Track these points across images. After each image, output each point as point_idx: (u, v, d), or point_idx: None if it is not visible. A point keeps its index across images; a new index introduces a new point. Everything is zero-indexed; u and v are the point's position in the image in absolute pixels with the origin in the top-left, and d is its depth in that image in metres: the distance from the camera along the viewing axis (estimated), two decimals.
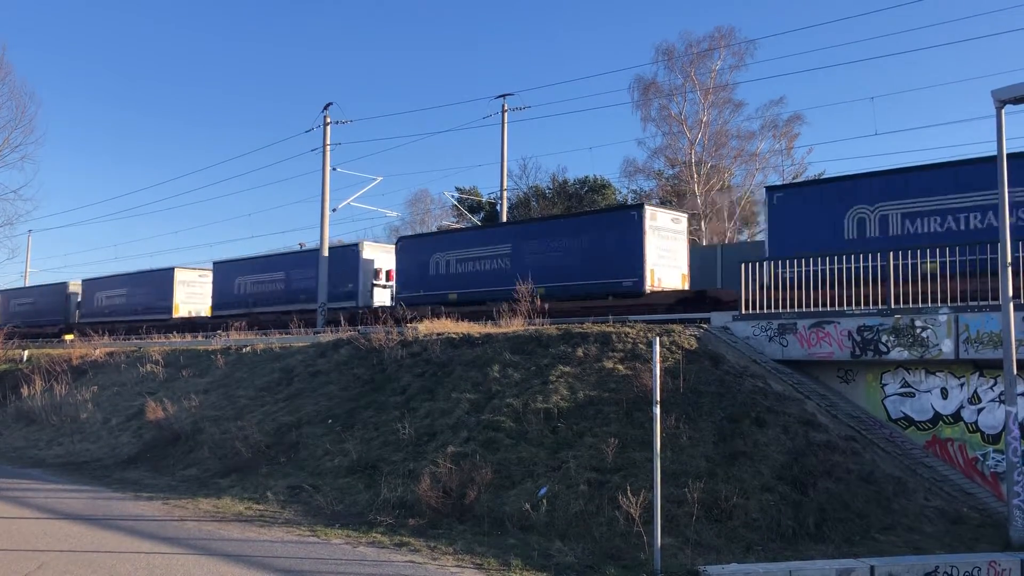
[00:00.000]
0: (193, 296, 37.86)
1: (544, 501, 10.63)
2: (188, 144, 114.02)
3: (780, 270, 15.29)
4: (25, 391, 23.43)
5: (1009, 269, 10.49)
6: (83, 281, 43.83)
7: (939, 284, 12.87)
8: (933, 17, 56.31)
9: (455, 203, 48.53)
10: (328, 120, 31.55)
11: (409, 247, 27.64)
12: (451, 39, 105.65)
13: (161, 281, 38.34)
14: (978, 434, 12.35)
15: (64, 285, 44.62)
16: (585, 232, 22.37)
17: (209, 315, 36.15)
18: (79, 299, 43.51)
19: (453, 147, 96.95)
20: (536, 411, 12.62)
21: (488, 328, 17.48)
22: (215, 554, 9.42)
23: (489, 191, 50.41)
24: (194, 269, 38.77)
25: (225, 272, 35.43)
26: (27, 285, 48.62)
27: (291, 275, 31.88)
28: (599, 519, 10.18)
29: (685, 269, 22.39)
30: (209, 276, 37.36)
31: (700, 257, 26.12)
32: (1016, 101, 10.26)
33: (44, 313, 45.33)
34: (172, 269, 38.01)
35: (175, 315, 36.60)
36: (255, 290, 33.44)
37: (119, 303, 40.25)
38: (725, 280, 24.25)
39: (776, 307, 14.61)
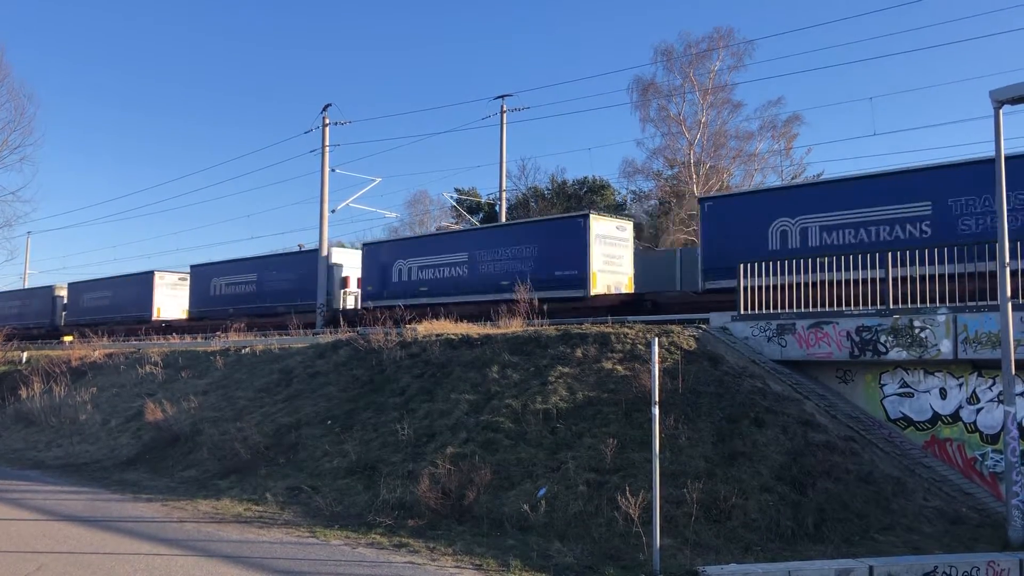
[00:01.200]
0: (614, 261, 22.95)
1: (543, 502, 10.63)
2: (187, 145, 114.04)
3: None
4: (24, 393, 23.43)
5: (1007, 269, 10.50)
6: (365, 246, 29.80)
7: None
8: (932, 17, 56.42)
9: (454, 204, 48.57)
10: (327, 121, 31.59)
11: None
12: (450, 40, 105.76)
13: (563, 234, 22.99)
14: (977, 434, 12.36)
15: (319, 254, 30.41)
16: None
17: (630, 291, 23.15)
18: (343, 273, 30.38)
19: (452, 148, 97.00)
20: (535, 412, 12.62)
21: (487, 329, 17.49)
22: (214, 555, 9.43)
23: (488, 192, 50.50)
24: (611, 219, 24.05)
25: (726, 213, 21.02)
26: (240, 257, 35.47)
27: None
28: (598, 520, 10.19)
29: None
30: (629, 228, 24.04)
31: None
32: (1014, 101, 10.26)
33: (284, 294, 31.27)
34: (586, 216, 22.92)
35: (592, 291, 22.32)
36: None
37: (458, 276, 25.14)
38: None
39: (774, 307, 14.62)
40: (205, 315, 34.73)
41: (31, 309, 46.17)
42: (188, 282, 37.27)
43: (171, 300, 37.66)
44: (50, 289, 45.45)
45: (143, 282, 38.36)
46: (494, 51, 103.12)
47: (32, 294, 47.96)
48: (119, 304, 39.41)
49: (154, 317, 37.01)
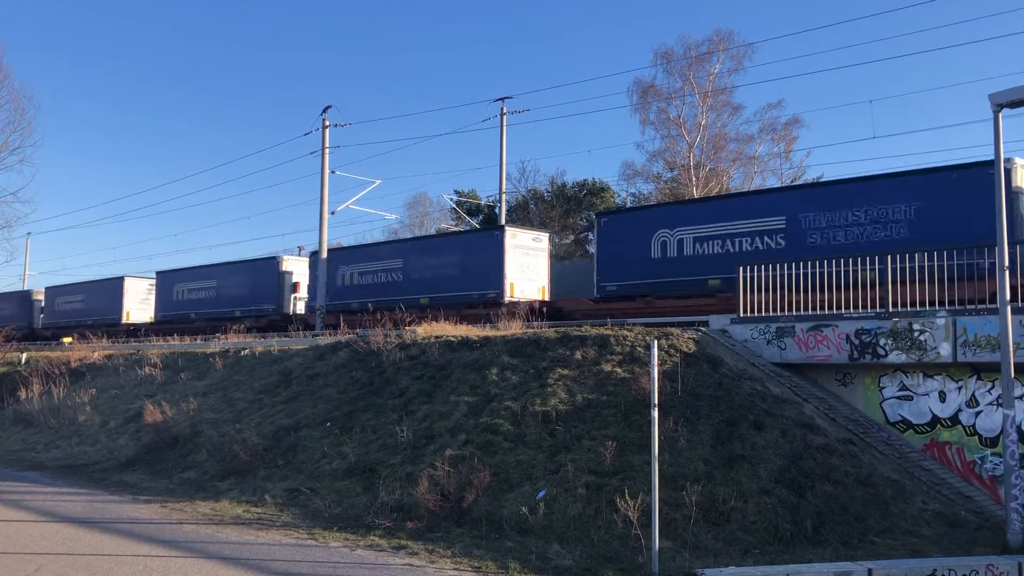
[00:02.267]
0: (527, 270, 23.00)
1: (542, 504, 10.63)
2: (187, 147, 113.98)
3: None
4: (23, 394, 23.42)
5: (1007, 272, 10.50)
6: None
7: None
8: (932, 20, 56.43)
9: (454, 206, 48.59)
10: (327, 123, 31.62)
11: None
12: (450, 42, 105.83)
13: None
14: (976, 437, 12.36)
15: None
16: None
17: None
18: None
19: (452, 150, 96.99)
20: (534, 414, 12.62)
21: (486, 331, 17.48)
22: (213, 557, 9.42)
23: (488, 194, 50.41)
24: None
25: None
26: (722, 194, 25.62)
27: None
28: (597, 522, 10.18)
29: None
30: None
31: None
32: (1013, 105, 10.26)
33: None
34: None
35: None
36: None
37: None
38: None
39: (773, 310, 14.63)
40: (631, 292, 21.67)
41: (239, 290, 33.66)
42: (544, 244, 25.84)
43: (523, 273, 25.08)
44: (273, 262, 32.78)
45: (483, 246, 25.26)
46: (494, 53, 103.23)
47: (245, 270, 34.09)
48: (423, 281, 26.57)
49: (508, 298, 24.18)
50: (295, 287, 31.99)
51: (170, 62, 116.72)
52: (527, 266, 25.04)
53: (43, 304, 45.80)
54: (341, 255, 30.32)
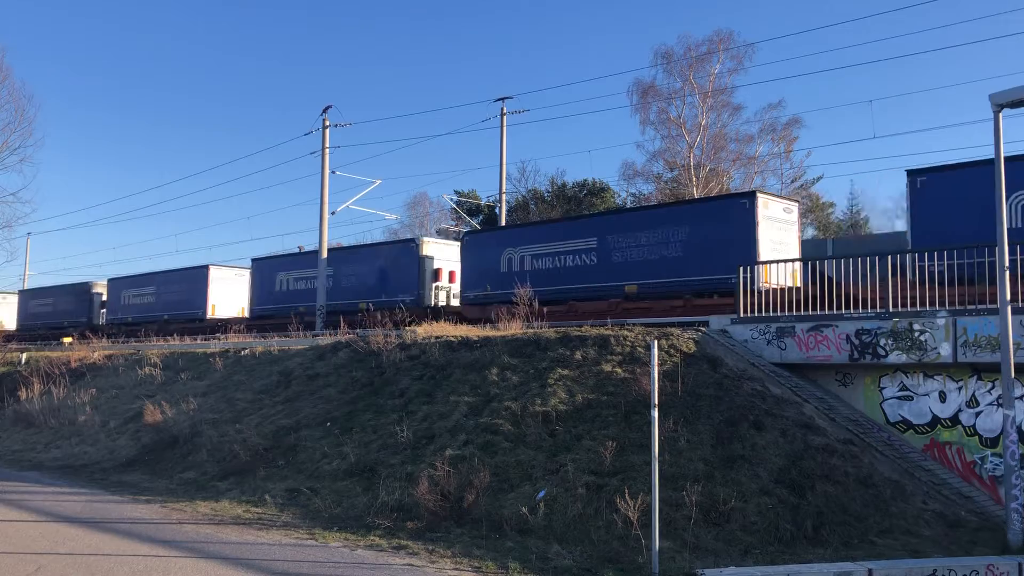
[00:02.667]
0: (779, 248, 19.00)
1: (542, 504, 10.62)
2: (188, 148, 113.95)
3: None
4: (23, 394, 23.41)
5: (1007, 272, 10.49)
6: None
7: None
8: (932, 21, 56.41)
9: (454, 206, 48.60)
10: (327, 123, 31.60)
11: None
12: (451, 42, 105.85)
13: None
14: (976, 437, 12.36)
15: None
16: None
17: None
18: None
19: (452, 150, 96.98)
20: (534, 414, 12.62)
21: (487, 331, 17.48)
22: (212, 557, 9.42)
23: (488, 194, 50.44)
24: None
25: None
26: None
27: None
28: (597, 522, 10.18)
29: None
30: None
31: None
32: (1014, 105, 10.27)
33: None
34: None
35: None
36: None
37: None
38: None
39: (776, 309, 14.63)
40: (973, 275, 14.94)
41: (367, 278, 28.94)
42: (795, 217, 20.35)
43: (776, 253, 19.38)
44: (412, 245, 27.89)
45: (722, 218, 19.96)
46: (494, 53, 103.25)
47: (374, 255, 29.07)
48: (628, 265, 21.54)
49: (761, 284, 17.16)
50: (436, 274, 27.36)
51: (171, 63, 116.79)
52: (780, 243, 19.48)
53: (104, 298, 41.44)
54: (508, 235, 25.40)
